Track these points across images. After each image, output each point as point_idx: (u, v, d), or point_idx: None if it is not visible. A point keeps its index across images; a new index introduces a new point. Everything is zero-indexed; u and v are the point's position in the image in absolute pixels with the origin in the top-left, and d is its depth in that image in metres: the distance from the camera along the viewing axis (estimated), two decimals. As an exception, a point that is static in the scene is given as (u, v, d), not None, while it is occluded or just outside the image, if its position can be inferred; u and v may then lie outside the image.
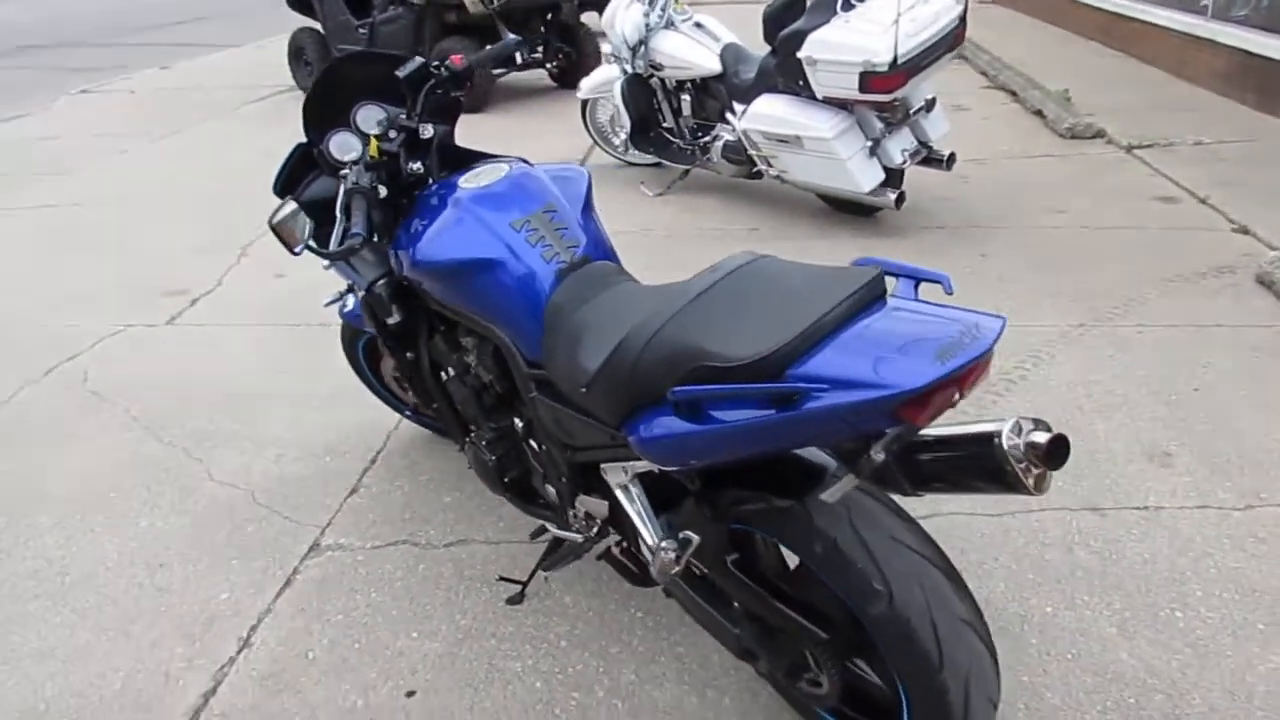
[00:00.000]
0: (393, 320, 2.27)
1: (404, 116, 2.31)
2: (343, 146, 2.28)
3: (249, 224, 5.02)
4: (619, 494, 1.86)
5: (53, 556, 2.65)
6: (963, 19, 4.35)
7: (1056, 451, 1.54)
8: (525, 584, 2.35)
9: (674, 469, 1.65)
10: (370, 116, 2.31)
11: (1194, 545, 2.48)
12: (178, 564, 2.59)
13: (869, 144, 4.49)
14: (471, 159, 2.50)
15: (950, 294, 1.51)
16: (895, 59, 4.10)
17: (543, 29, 8.11)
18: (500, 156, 2.50)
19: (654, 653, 2.21)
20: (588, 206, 2.12)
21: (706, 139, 5.26)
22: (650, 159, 5.64)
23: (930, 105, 4.61)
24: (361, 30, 8.10)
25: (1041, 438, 1.54)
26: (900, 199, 4.57)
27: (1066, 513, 2.61)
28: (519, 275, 1.93)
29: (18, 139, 7.69)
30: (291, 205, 2.01)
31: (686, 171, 5.52)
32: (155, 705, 2.14)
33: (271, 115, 8.15)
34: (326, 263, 2.17)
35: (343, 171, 2.14)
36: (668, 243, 4.75)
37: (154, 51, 11.91)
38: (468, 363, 2.21)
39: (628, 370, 1.58)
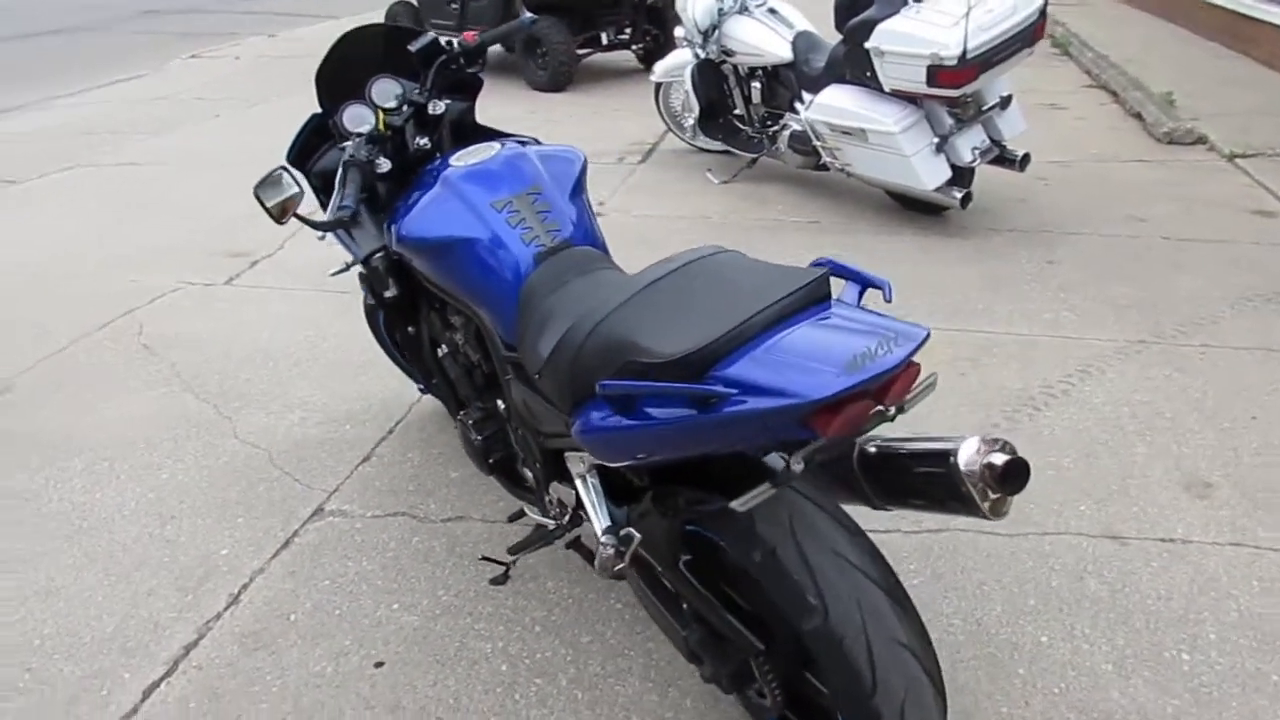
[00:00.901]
0: (389, 294, 2.28)
1: (417, 92, 2.32)
2: (356, 119, 2.30)
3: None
4: (577, 483, 1.83)
5: (77, 500, 2.77)
6: (1042, 13, 4.15)
7: (1013, 475, 1.47)
8: (509, 566, 2.35)
9: (611, 464, 1.61)
10: (386, 90, 2.33)
11: (1218, 584, 2.32)
12: (187, 517, 2.67)
13: (936, 140, 4.33)
14: (488, 137, 2.49)
15: (888, 301, 1.44)
16: (964, 53, 3.94)
17: (631, 10, 8.07)
18: (516, 136, 2.49)
19: (625, 646, 2.18)
20: (578, 190, 2.09)
21: (775, 128, 5.16)
22: (719, 145, 5.56)
23: (1005, 102, 4.43)
24: (453, 5, 8.20)
25: (999, 459, 1.47)
26: (966, 199, 4.40)
27: (1084, 539, 2.48)
28: (496, 256, 1.92)
29: (128, 99, 8.04)
30: (283, 176, 2.04)
31: (754, 160, 5.42)
32: (139, 651, 2.21)
33: (363, 86, 8.31)
34: (320, 234, 2.19)
35: (343, 144, 2.15)
36: (721, 231, 4.68)
37: (264, 20, 12.31)
38: (457, 341, 2.22)
39: (570, 360, 1.55)
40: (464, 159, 2.10)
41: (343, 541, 2.56)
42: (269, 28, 11.42)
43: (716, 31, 5.19)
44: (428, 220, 2.00)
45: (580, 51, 7.93)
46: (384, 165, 2.24)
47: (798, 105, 4.88)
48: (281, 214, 2.04)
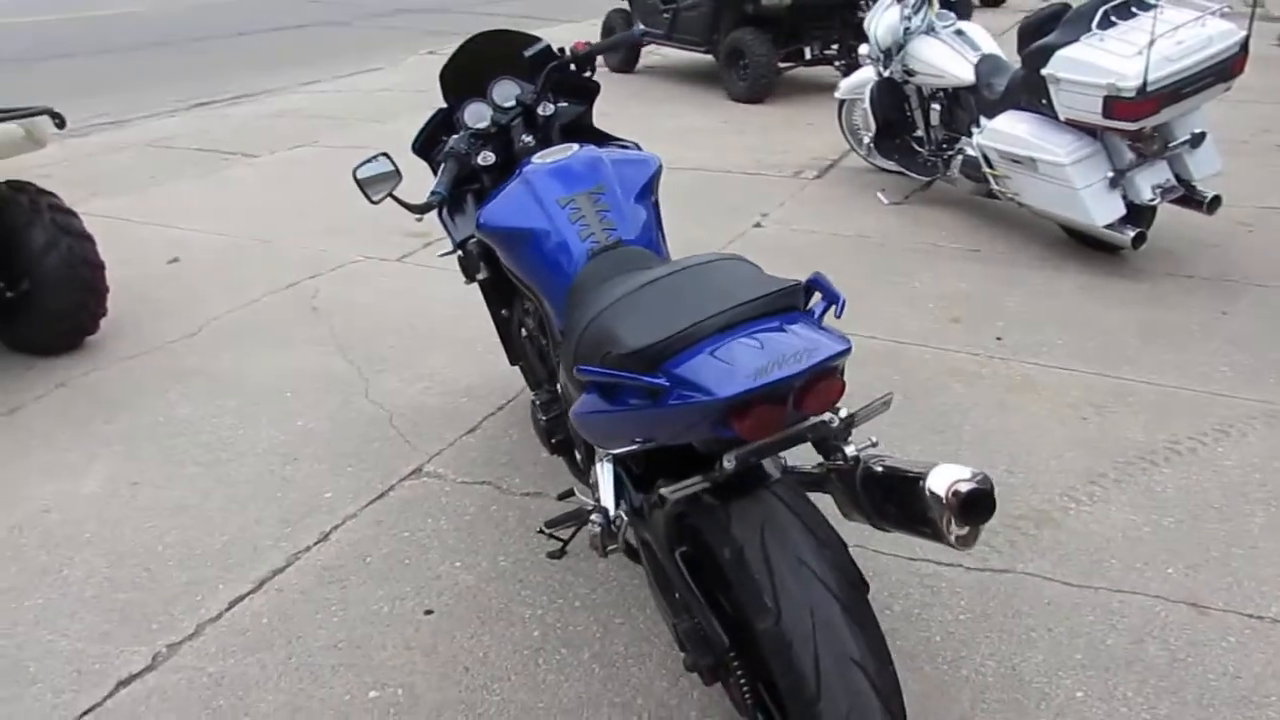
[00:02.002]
0: (480, 276, 2.47)
1: (531, 93, 2.50)
2: (475, 115, 2.51)
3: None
4: (596, 464, 1.94)
5: (224, 435, 3.15)
6: (1243, 47, 3.85)
7: (975, 506, 1.47)
8: (565, 542, 2.48)
9: (603, 448, 1.71)
10: (506, 91, 2.53)
11: (1301, 672, 2.13)
12: (306, 462, 2.99)
13: (1112, 174, 4.11)
14: (602, 140, 2.64)
15: (838, 318, 1.47)
16: (1144, 85, 3.72)
17: (839, 26, 8.02)
18: (621, 140, 2.63)
19: (651, 633, 2.27)
20: (645, 193, 2.18)
21: (951, 152, 5.04)
22: (895, 166, 5.47)
23: (1198, 140, 4.13)
24: (665, 14, 8.44)
25: (964, 487, 1.46)
26: (1139, 239, 4.14)
27: (1160, 602, 2.33)
28: (555, 249, 2.05)
29: (362, 89, 8.82)
30: (383, 161, 2.26)
31: (929, 183, 5.30)
32: (235, 569, 2.52)
33: (573, 88, 8.73)
34: (417, 216, 2.40)
35: (444, 135, 2.36)
36: (877, 252, 4.63)
37: (507, 20, 13.07)
38: (529, 325, 2.38)
39: (572, 349, 1.67)
40: (545, 157, 2.25)
41: (429, 500, 2.78)
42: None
43: (901, 51, 5.12)
44: (502, 210, 2.17)
45: (782, 65, 7.98)
46: (489, 159, 2.43)
47: (974, 130, 4.75)
48: (377, 195, 2.27)
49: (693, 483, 1.52)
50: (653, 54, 9.70)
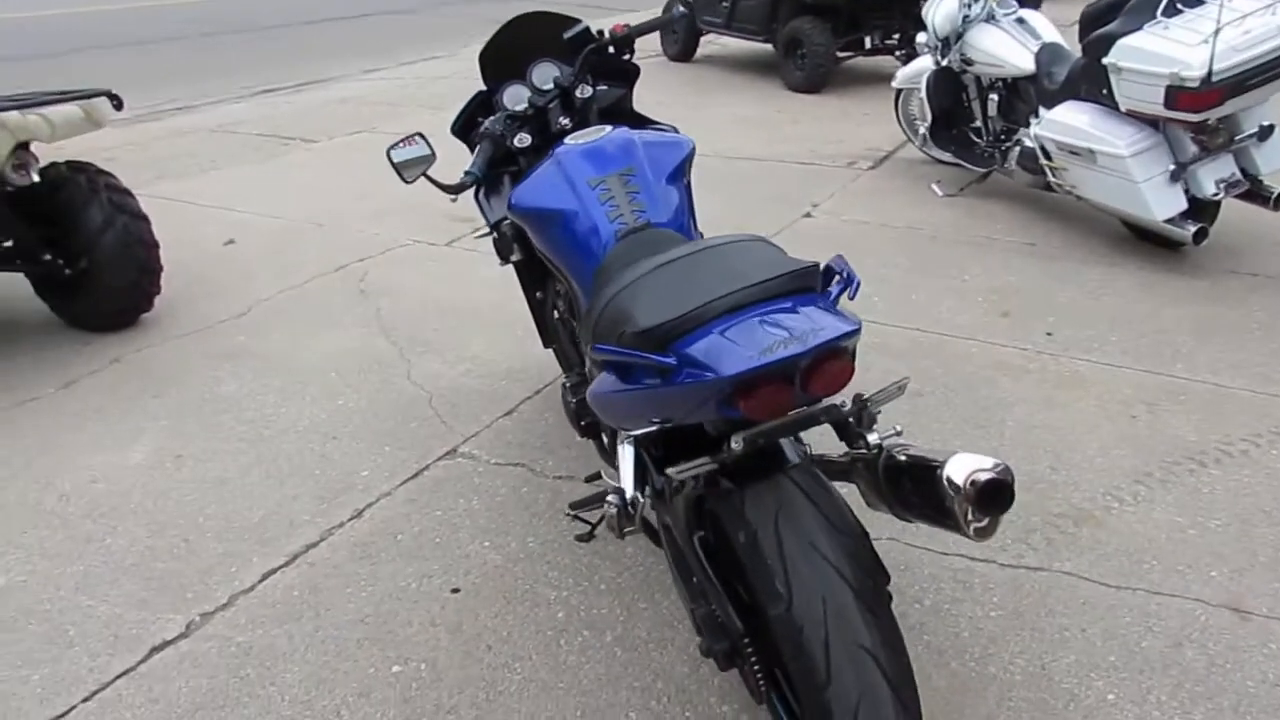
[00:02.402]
0: (514, 258, 2.48)
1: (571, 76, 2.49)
2: (514, 97, 2.52)
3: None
4: (619, 446, 1.93)
5: (267, 413, 3.21)
6: (1316, 36, 3.70)
7: (992, 495, 1.43)
8: (595, 525, 2.48)
9: (620, 428, 1.70)
10: (545, 73, 2.53)
11: (1349, 683, 2.05)
12: (346, 440, 3.03)
13: (1173, 168, 3.98)
14: (641, 123, 2.63)
15: (852, 299, 1.44)
16: (1209, 75, 3.60)
17: (900, 15, 7.89)
18: (660, 124, 2.62)
19: (674, 618, 2.26)
20: (676, 175, 2.16)
21: (1009, 143, 4.93)
22: (951, 157, 5.37)
23: (1266, 132, 3.98)
24: (725, 3, 8.39)
25: (982, 476, 1.43)
26: (1200, 234, 4.00)
27: (1200, 606, 2.26)
28: (583, 230, 2.05)
29: (422, 77, 8.92)
30: (418, 142, 2.28)
31: (986, 175, 5.20)
32: (271, 543, 2.56)
33: (629, 77, 8.73)
34: (452, 197, 2.42)
35: (482, 117, 2.37)
36: (928, 244, 4.55)
37: (576, 9, 13.09)
38: (559, 307, 2.38)
39: (591, 327, 1.66)
40: (578, 138, 2.25)
41: (462, 480, 2.80)
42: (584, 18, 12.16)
43: (959, 39, 5.02)
44: (533, 191, 2.17)
45: (841, 54, 7.88)
46: (525, 141, 2.44)
47: (1033, 121, 4.64)
48: (411, 175, 2.29)
49: (700, 464, 1.51)
50: (712, 43, 9.65)
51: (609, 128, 2.29)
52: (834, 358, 1.33)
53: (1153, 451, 2.86)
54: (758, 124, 7.01)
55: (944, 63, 5.12)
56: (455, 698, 2.07)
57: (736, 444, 1.43)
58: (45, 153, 3.61)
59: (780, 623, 1.53)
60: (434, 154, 2.36)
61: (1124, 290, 3.97)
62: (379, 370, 3.46)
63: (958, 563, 2.43)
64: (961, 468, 1.48)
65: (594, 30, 2.56)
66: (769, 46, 8.24)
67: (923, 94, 5.24)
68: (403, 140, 2.33)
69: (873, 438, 1.78)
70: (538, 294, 2.64)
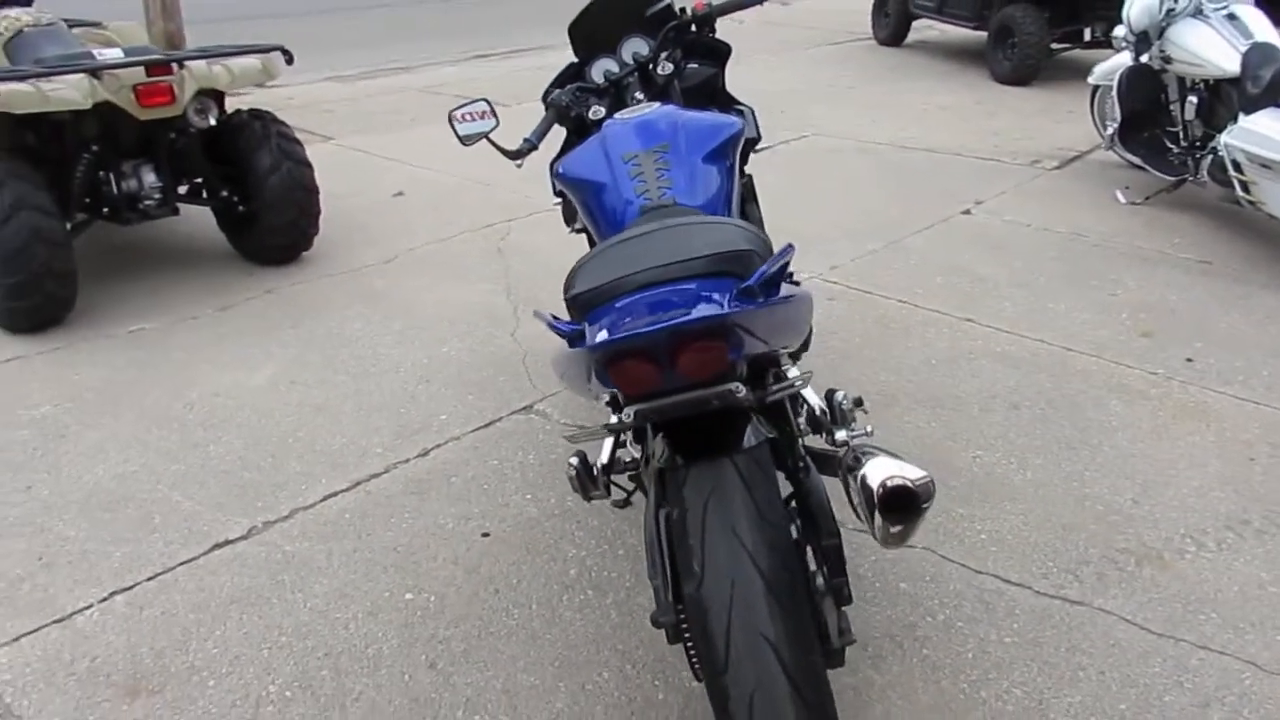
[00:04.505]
0: (577, 226, 2.56)
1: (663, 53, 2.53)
2: (601, 70, 2.59)
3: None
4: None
5: (380, 351, 3.47)
6: None
7: (896, 504, 1.39)
8: (630, 493, 2.54)
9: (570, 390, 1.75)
10: (634, 48, 2.59)
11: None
12: (437, 384, 3.24)
13: (1377, 189, 3.53)
14: (724, 102, 2.65)
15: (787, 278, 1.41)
16: None
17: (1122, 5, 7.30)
18: (741, 105, 2.63)
19: (677, 591, 2.29)
20: (716, 155, 2.14)
21: (1204, 151, 4.50)
22: (1139, 161, 4.96)
23: None
24: (929, -12, 8.06)
25: (892, 483, 1.40)
26: (1402, 266, 3.53)
27: (1249, 668, 2.05)
28: (611, 203, 2.09)
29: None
30: (481, 106, 2.39)
31: (1177, 184, 4.76)
32: (341, 465, 2.80)
33: (832, 60, 8.58)
34: (517, 163, 2.51)
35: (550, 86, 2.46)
36: (1088, 253, 4.25)
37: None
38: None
39: (565, 294, 1.72)
40: (626, 113, 2.29)
41: (528, 436, 2.93)
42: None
43: (1160, 34, 4.61)
44: (575, 161, 2.23)
45: (1056, 45, 7.39)
46: (599, 113, 2.50)
47: (1229, 128, 4.21)
48: (470, 138, 2.41)
49: (593, 430, 1.54)
50: (929, 28, 9.29)
51: (657, 104, 2.31)
52: (701, 340, 1.32)
53: (1259, 499, 2.59)
54: (951, 114, 6.72)
55: (1142, 60, 4.73)
56: (450, 631, 2.20)
57: (627, 416, 1.46)
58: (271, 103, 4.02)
59: (691, 602, 1.55)
60: (497, 118, 2.47)
61: (1303, 321, 3.57)
62: (489, 324, 3.64)
63: (989, 582, 2.32)
64: (879, 471, 1.44)
65: (677, 7, 2.58)
66: (984, 34, 7.84)
67: (1114, 92, 4.86)
68: (467, 102, 2.45)
69: (841, 435, 1.75)
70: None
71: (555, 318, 1.54)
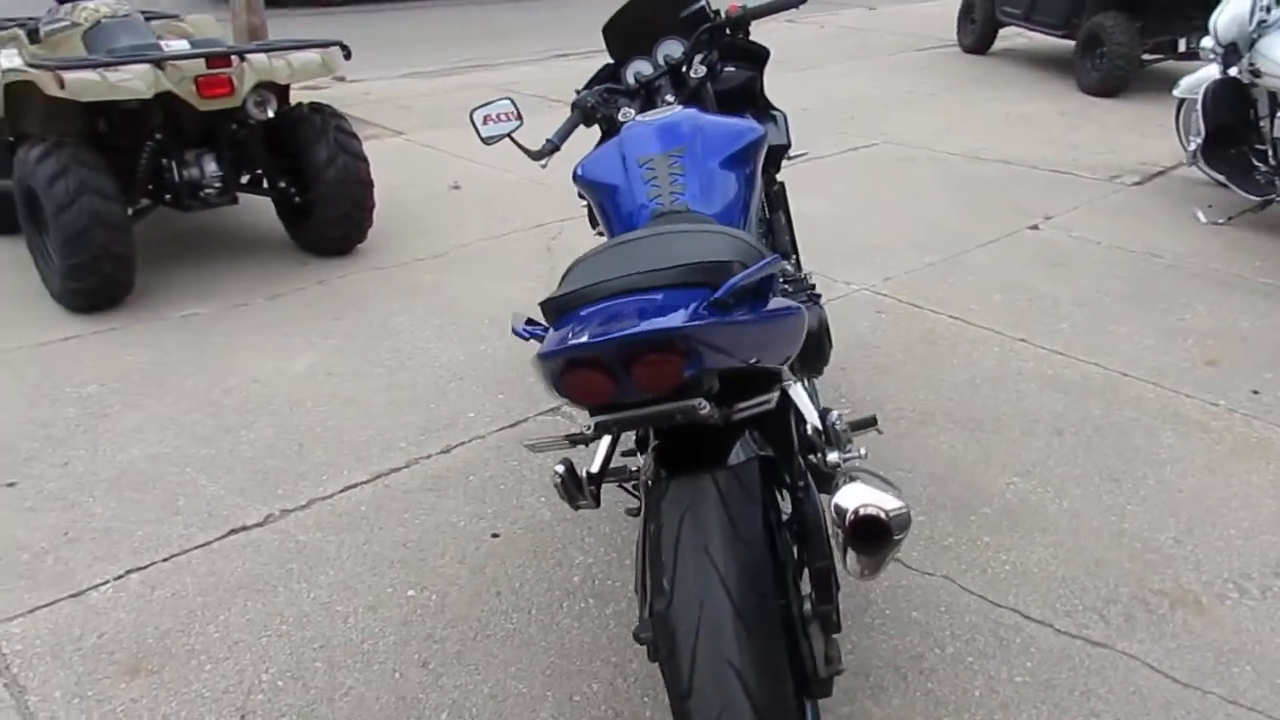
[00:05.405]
0: (597, 230, 2.52)
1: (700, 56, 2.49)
2: (636, 72, 2.56)
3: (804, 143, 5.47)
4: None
5: (418, 346, 3.50)
6: None
7: (864, 533, 1.33)
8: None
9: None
10: (668, 49, 2.55)
11: None
12: (469, 382, 3.24)
13: None
14: (761, 108, 2.60)
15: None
16: None
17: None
18: (772, 110, 2.57)
19: (678, 605, 2.24)
20: (733, 161, 2.07)
21: (1293, 170, 4.26)
22: (1222, 179, 4.72)
23: None
24: (1026, -7, 7.81)
25: (863, 510, 1.33)
26: None
27: (1280, 729, 1.92)
28: (625, 207, 2.05)
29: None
30: (504, 104, 2.38)
31: (1264, 204, 4.51)
32: (363, 460, 2.82)
33: (913, 67, 8.38)
34: (540, 162, 2.49)
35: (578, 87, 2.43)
36: (1159, 274, 4.05)
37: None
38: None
39: None
40: (649, 115, 2.24)
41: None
42: (885, 1, 11.83)
43: (1250, 47, 4.38)
44: (593, 163, 2.19)
45: (1148, 56, 7.09)
46: (628, 115, 2.46)
47: (1320, 146, 3.98)
48: (492, 138, 2.40)
49: (553, 440, 1.51)
50: (1018, 36, 9.01)
51: (679, 107, 2.27)
52: (654, 353, 1.27)
53: (1313, 550, 2.42)
54: (1030, 124, 6.51)
55: (1229, 72, 4.50)
56: (447, 631, 2.19)
57: (588, 427, 1.42)
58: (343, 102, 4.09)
59: (659, 620, 1.50)
60: (521, 118, 2.45)
61: (1378, 356, 3.34)
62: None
63: (1007, 616, 2.22)
64: (853, 498, 1.37)
65: (710, 10, 2.53)
66: (1071, 43, 7.57)
67: (1198, 105, 4.63)
68: (490, 101, 2.44)
69: (833, 456, 1.69)
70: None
71: (530, 322, 1.51)
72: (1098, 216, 4.76)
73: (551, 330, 1.44)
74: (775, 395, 1.50)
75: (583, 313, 1.40)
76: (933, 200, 5.08)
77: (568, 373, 1.31)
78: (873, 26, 10.25)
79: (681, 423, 1.40)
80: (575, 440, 1.56)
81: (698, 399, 1.35)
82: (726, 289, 1.34)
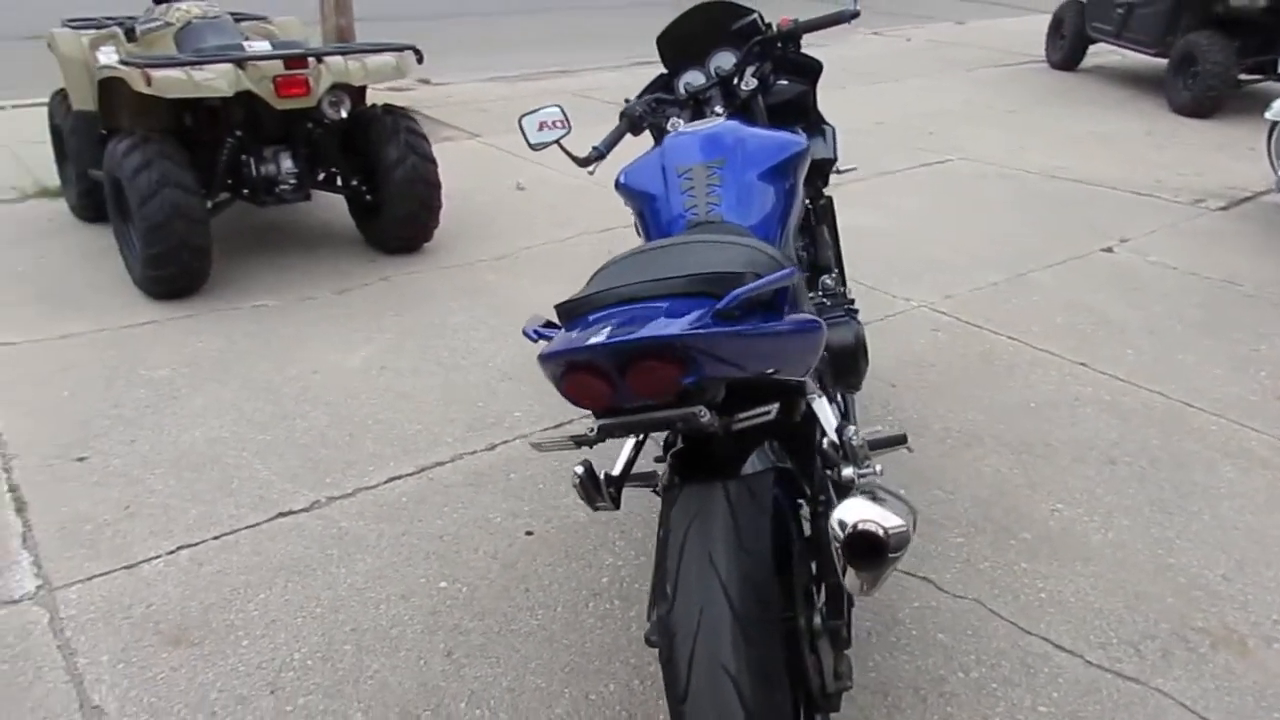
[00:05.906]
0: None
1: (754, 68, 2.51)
2: (686, 82, 2.59)
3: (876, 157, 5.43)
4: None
5: (473, 345, 3.57)
6: None
7: (862, 548, 1.33)
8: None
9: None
10: (720, 61, 2.58)
11: None
12: (518, 382, 3.30)
13: None
14: (814, 121, 2.61)
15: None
16: None
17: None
18: (824, 124, 2.57)
19: (702, 612, 2.26)
20: (772, 175, 2.08)
21: (1388, 199, 4.08)
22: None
23: None
24: (1119, 9, 7.61)
25: (862, 525, 1.34)
26: None
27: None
28: (663, 216, 2.08)
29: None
30: (553, 112, 2.42)
31: (1356, 234, 4.34)
32: (409, 453, 2.89)
33: (996, 82, 8.24)
34: (589, 169, 2.53)
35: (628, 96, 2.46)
36: (1236, 302, 3.91)
37: (979, 8, 12.53)
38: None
39: None
40: (694, 126, 2.26)
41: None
42: (965, 15, 11.66)
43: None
44: (635, 172, 2.22)
45: (1245, 76, 6.85)
46: (677, 125, 2.49)
47: None
48: (541, 145, 2.45)
49: (560, 442, 1.53)
50: (1110, 54, 8.78)
51: (722, 118, 2.28)
52: (649, 359, 1.29)
53: (1372, 591, 2.32)
54: (1115, 144, 6.34)
55: (1324, 95, 4.32)
56: (473, 623, 2.24)
57: (591, 429, 1.45)
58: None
59: (660, 624, 1.52)
60: (569, 125, 2.49)
61: None
62: (583, 327, 3.68)
63: (1036, 645, 2.18)
64: (852, 512, 1.37)
65: (763, 23, 2.54)
66: (1165, 61, 7.35)
67: (1289, 129, 4.47)
68: (539, 108, 2.49)
69: (848, 472, 1.69)
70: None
71: (549, 324, 1.54)
72: (1177, 240, 4.62)
73: (561, 332, 1.47)
74: (775, 407, 1.51)
75: (590, 317, 1.43)
76: (1003, 218, 4.99)
77: (567, 375, 1.34)
78: (960, 41, 10.09)
79: (684, 430, 1.42)
80: (580, 441, 1.59)
81: (698, 407, 1.36)
82: (730, 300, 1.36)
